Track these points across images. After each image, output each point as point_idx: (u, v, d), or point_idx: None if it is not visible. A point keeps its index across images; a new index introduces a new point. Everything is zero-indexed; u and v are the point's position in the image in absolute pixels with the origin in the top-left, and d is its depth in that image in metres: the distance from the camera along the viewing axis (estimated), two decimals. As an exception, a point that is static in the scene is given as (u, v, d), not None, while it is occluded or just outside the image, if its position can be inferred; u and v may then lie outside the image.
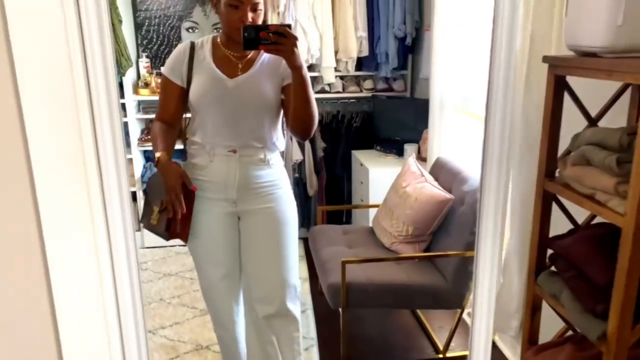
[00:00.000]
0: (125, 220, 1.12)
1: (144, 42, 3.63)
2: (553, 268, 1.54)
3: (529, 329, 1.61)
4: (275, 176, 1.81)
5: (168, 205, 1.68)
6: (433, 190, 2.33)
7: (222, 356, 2.10)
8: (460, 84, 2.75)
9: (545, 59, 1.45)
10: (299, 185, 3.77)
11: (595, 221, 1.54)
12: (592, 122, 1.48)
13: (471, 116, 2.71)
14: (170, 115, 1.78)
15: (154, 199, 1.82)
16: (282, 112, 1.80)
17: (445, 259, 2.26)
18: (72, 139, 0.94)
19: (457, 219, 2.27)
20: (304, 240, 3.32)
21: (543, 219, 1.52)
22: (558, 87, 1.43)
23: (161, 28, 3.60)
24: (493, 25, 0.90)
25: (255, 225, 1.81)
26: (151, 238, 3.60)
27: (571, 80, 1.46)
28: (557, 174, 1.49)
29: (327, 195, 3.89)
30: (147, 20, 3.59)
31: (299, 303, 1.92)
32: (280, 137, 1.82)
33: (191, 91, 1.72)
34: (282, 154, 1.89)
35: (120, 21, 3.26)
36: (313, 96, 1.65)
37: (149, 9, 3.57)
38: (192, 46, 1.74)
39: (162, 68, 1.78)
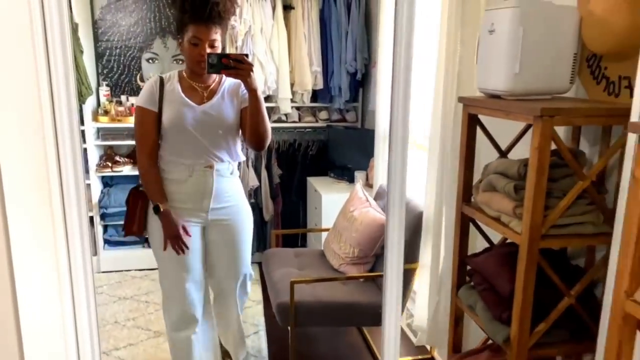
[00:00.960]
0: (84, 242, 1.24)
1: (105, 72, 3.73)
2: (472, 283, 1.73)
3: (452, 338, 1.79)
4: (238, 185, 2.17)
5: (173, 247, 2.01)
6: (375, 214, 2.52)
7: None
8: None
9: (461, 99, 1.67)
10: (255, 211, 3.90)
11: (509, 240, 1.75)
12: (503, 154, 1.70)
13: (411, 146, 2.94)
14: (153, 143, 2.01)
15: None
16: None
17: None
18: (39, 166, 1.07)
19: (397, 241, 2.46)
20: (259, 265, 3.43)
21: (462, 238, 1.72)
22: (471, 124, 1.65)
23: (122, 58, 3.73)
24: (393, 62, 1.07)
25: (223, 236, 2.14)
26: (107, 263, 3.65)
27: (489, 118, 1.68)
28: (473, 200, 1.70)
29: (284, 221, 4.03)
30: (108, 51, 3.71)
31: (250, 285, 2.37)
32: (240, 150, 2.14)
33: (165, 118, 1.98)
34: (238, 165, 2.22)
35: (82, 51, 3.36)
36: (266, 114, 1.96)
37: (110, 39, 3.70)
38: (162, 80, 2.02)
39: (135, 101, 2.06)
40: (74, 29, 3.30)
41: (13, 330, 1.31)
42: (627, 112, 1.25)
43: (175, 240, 1.99)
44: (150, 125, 1.98)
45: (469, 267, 1.72)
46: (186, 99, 1.98)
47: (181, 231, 2.00)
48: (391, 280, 1.11)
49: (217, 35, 1.91)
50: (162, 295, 2.16)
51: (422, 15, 2.86)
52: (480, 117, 1.68)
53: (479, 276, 1.62)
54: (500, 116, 1.48)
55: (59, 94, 1.23)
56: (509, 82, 1.48)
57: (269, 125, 1.98)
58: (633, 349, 1.05)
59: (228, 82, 2.04)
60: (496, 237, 1.80)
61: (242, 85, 1.95)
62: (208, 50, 1.89)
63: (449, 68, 2.17)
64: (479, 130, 1.69)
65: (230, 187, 2.11)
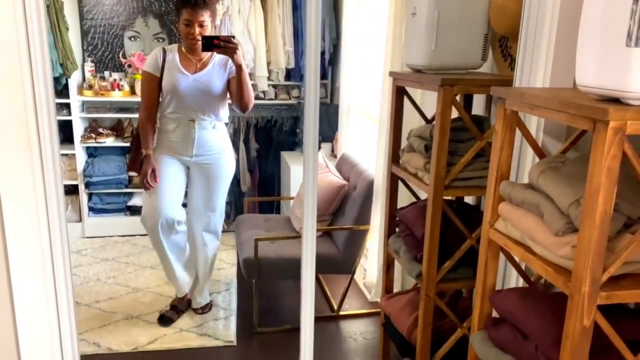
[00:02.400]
0: (60, 205, 1.49)
1: (90, 48, 3.94)
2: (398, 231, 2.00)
3: (385, 281, 2.07)
4: (221, 137, 2.56)
5: (140, 182, 2.49)
6: (333, 178, 2.79)
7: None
8: (363, 92, 3.24)
9: (390, 73, 1.93)
10: (233, 182, 4.16)
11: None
12: (428, 121, 1.96)
13: (368, 118, 3.21)
14: (153, 100, 2.47)
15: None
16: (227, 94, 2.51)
17: (340, 233, 2.72)
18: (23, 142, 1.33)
19: (351, 201, 2.74)
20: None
21: (392, 194, 1.99)
22: (399, 95, 1.90)
23: (105, 36, 3.93)
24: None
25: (201, 176, 2.56)
26: (91, 229, 3.90)
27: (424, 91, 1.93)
28: (400, 161, 1.96)
29: (260, 191, 4.30)
30: (92, 28, 3.91)
31: (222, 223, 2.77)
32: (225, 112, 2.55)
33: (164, 82, 2.43)
34: (226, 125, 2.64)
35: (67, 28, 3.57)
36: (250, 84, 2.40)
37: (95, 18, 3.90)
38: (164, 51, 2.46)
39: (143, 68, 2.51)
40: (60, 6, 3.50)
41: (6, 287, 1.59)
42: (511, 82, 1.52)
43: (146, 175, 2.43)
44: (153, 87, 2.44)
45: (397, 219, 1.99)
46: (182, 68, 2.42)
47: (154, 171, 2.45)
48: (306, 237, 1.37)
49: (205, 17, 2.32)
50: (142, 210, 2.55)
51: (373, 1, 3.10)
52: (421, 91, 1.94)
53: (403, 225, 1.89)
54: (417, 87, 1.74)
55: (37, 73, 1.46)
56: (427, 58, 1.73)
57: (252, 92, 2.43)
58: (497, 265, 1.33)
59: (218, 56, 2.44)
60: (423, 195, 2.07)
61: (230, 60, 2.35)
62: (197, 30, 2.31)
63: (395, 49, 2.42)
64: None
65: (212, 138, 2.52)
